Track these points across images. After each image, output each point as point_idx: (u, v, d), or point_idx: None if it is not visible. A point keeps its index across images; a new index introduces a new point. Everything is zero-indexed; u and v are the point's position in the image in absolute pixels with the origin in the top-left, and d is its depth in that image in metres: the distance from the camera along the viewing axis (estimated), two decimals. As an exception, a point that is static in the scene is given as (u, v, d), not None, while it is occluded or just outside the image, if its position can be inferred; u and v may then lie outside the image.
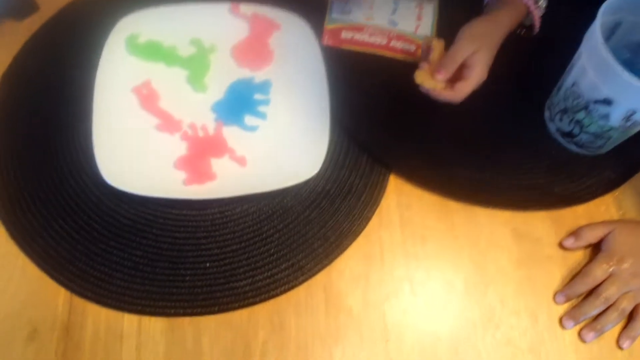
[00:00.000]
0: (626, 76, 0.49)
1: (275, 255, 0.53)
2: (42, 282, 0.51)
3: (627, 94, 0.51)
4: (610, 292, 0.52)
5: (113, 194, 0.52)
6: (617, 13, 0.55)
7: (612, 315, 0.52)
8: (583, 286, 0.53)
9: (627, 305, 0.52)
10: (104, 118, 0.55)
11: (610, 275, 0.53)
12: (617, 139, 0.58)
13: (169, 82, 0.60)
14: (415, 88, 0.57)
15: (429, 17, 0.68)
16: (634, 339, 0.52)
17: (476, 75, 0.55)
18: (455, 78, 0.56)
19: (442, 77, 0.55)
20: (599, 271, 0.53)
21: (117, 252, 0.52)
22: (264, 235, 0.54)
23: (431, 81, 0.56)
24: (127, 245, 0.52)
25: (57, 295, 0.51)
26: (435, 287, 0.54)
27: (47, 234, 0.52)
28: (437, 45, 0.58)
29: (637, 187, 0.60)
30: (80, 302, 0.50)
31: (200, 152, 0.56)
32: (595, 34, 0.51)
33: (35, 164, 0.55)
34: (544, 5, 0.61)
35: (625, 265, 0.53)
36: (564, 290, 0.54)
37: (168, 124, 0.57)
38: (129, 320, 0.50)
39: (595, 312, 0.52)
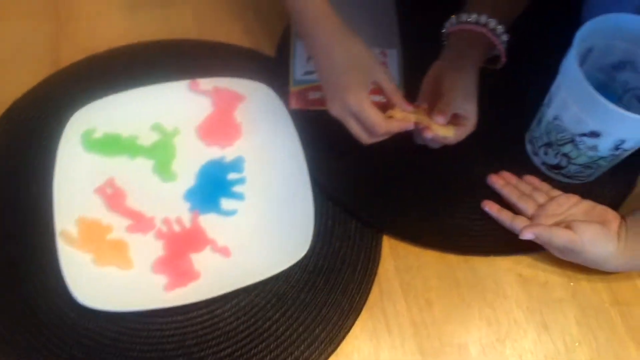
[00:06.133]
0: (615, 109, 0.47)
1: (275, 352, 0.49)
2: None
3: (615, 125, 0.49)
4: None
5: (89, 314, 0.47)
6: (588, 39, 0.54)
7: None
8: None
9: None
10: (68, 228, 0.51)
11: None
12: (606, 166, 0.56)
13: (134, 176, 0.55)
14: (396, 141, 0.55)
15: (394, 64, 0.66)
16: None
17: (472, 125, 0.55)
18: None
19: (443, 121, 0.54)
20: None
21: (103, 377, 0.47)
22: (260, 330, 0.50)
23: (442, 129, 0.54)
24: (113, 367, 0.47)
25: None
26: (449, 354, 0.51)
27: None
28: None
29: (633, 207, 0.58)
30: None
31: (179, 250, 0.52)
32: (574, 69, 0.49)
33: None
34: (505, 38, 0.59)
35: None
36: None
37: (140, 223, 0.53)
38: None
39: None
